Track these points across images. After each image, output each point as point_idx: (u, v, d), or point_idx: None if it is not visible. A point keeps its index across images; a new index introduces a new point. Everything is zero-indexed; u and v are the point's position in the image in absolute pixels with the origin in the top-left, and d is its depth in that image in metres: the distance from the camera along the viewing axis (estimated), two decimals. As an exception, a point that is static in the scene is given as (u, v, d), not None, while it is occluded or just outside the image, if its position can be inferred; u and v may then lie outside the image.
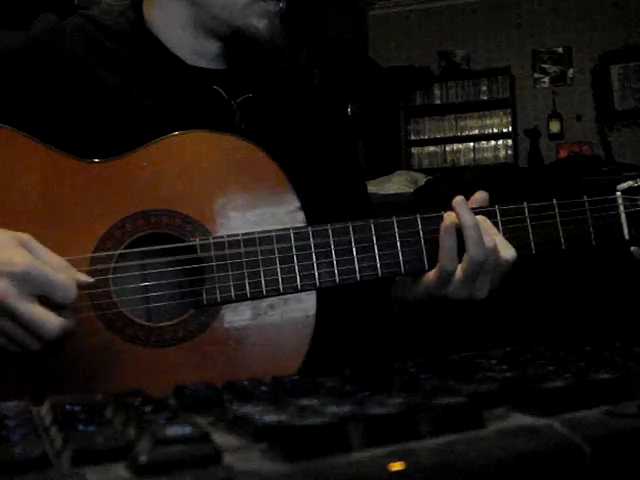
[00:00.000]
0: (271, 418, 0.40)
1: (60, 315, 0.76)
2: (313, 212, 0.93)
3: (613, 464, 0.38)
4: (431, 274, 0.93)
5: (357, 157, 1.20)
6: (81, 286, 0.79)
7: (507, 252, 0.92)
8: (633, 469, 0.38)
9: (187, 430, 0.37)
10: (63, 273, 0.76)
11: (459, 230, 0.91)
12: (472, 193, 0.97)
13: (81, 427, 0.41)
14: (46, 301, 0.76)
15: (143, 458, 0.34)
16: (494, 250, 0.91)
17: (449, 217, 0.92)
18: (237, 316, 0.89)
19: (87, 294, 0.84)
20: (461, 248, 0.91)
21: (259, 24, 0.98)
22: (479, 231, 0.90)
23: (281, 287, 0.89)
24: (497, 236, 0.92)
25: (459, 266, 0.91)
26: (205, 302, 0.88)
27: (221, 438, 0.40)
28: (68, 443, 0.37)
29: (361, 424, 0.37)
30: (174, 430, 0.37)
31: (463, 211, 0.91)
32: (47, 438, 0.41)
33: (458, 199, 0.92)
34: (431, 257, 0.93)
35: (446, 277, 0.91)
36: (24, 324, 0.75)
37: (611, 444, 0.38)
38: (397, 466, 0.34)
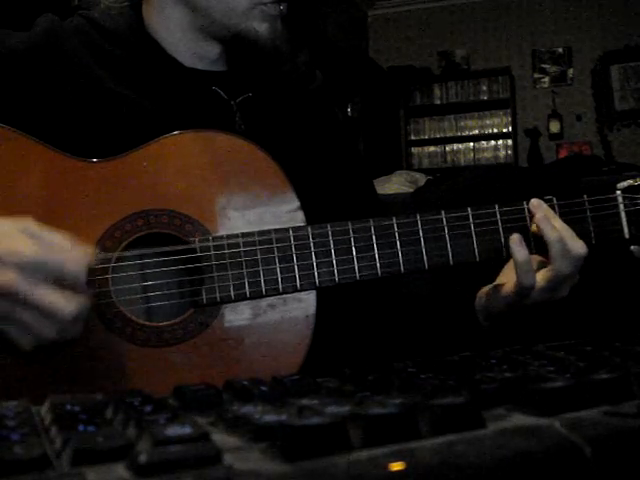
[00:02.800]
0: (271, 418, 0.40)
1: (74, 294, 0.76)
2: (313, 212, 0.93)
3: (613, 464, 0.38)
4: (510, 288, 0.93)
5: (359, 154, 1.20)
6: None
7: (578, 245, 0.92)
8: (633, 469, 0.38)
9: (187, 430, 0.37)
10: (70, 253, 0.76)
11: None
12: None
13: (81, 427, 0.41)
14: (58, 284, 0.75)
15: (143, 458, 0.34)
16: (578, 255, 0.91)
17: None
18: (237, 316, 0.89)
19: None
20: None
21: (260, 28, 0.97)
22: (565, 244, 0.90)
23: (280, 287, 0.89)
24: (567, 231, 0.92)
25: (540, 276, 0.92)
26: (204, 302, 0.88)
27: (221, 438, 0.40)
28: (68, 443, 0.37)
29: (361, 424, 0.37)
30: (174, 430, 0.37)
31: (547, 226, 0.91)
32: (47, 438, 0.41)
33: (539, 216, 0.92)
34: (431, 257, 0.92)
35: (526, 291, 0.91)
36: (40, 310, 0.74)
37: (611, 444, 0.38)
38: (397, 466, 0.34)
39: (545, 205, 0.94)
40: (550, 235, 0.91)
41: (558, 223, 0.93)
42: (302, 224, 0.91)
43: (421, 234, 0.92)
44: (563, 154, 6.32)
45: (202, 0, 0.97)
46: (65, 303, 0.75)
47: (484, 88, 6.68)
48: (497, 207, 0.95)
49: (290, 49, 1.06)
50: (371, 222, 0.92)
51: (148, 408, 0.45)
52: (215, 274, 0.88)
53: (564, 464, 0.37)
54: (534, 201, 0.94)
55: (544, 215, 0.92)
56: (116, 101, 0.96)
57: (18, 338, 0.76)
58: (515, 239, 0.92)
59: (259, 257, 0.89)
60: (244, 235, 0.89)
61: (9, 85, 0.95)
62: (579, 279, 0.95)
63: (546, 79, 6.59)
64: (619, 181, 0.99)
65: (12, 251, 0.73)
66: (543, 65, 6.60)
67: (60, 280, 0.75)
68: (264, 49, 0.99)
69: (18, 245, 0.74)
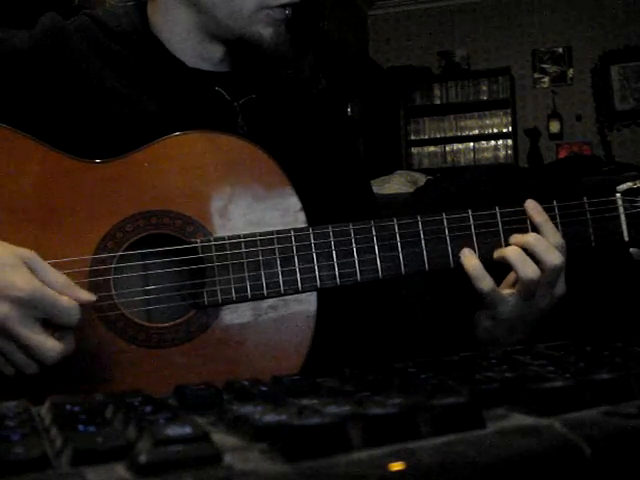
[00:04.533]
0: (271, 418, 0.40)
1: (61, 337, 0.77)
2: (314, 213, 0.93)
3: (613, 464, 0.37)
4: (513, 298, 0.93)
5: (360, 158, 1.20)
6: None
7: (552, 257, 0.91)
8: (633, 469, 0.38)
9: (187, 430, 0.37)
10: (66, 295, 0.76)
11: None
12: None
13: (81, 427, 0.41)
14: (48, 322, 0.76)
15: (143, 458, 0.34)
16: (552, 266, 0.91)
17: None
18: (238, 317, 0.89)
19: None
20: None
21: (265, 32, 0.97)
22: (534, 253, 0.90)
23: (282, 288, 0.89)
24: (539, 241, 0.92)
25: (508, 289, 0.92)
26: (206, 303, 0.88)
27: (221, 438, 0.40)
28: (68, 443, 0.37)
29: (361, 424, 0.37)
30: (174, 430, 0.37)
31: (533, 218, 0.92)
32: (47, 438, 0.41)
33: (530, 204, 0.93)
34: (432, 259, 0.92)
35: (532, 289, 0.91)
36: (25, 349, 0.75)
37: (611, 444, 0.38)
38: (397, 466, 0.34)
39: (540, 207, 0.94)
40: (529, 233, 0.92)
41: (532, 234, 0.92)
42: (304, 225, 0.91)
43: (422, 236, 0.92)
44: (563, 154, 6.32)
45: (207, 2, 0.97)
46: (50, 346, 0.75)
47: (484, 88, 6.68)
48: (497, 209, 0.95)
49: (294, 53, 1.06)
50: (372, 224, 0.92)
51: (148, 408, 0.45)
52: (217, 275, 0.88)
53: (564, 464, 0.37)
54: (529, 203, 0.94)
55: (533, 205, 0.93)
56: (119, 101, 0.96)
57: (1, 366, 0.77)
58: (513, 249, 0.92)
59: (261, 258, 0.89)
60: (246, 236, 0.89)
61: (11, 84, 0.95)
62: (573, 283, 0.95)
63: (546, 79, 6.59)
64: (619, 181, 0.99)
65: (9, 284, 0.73)
66: (543, 65, 6.60)
67: (51, 319, 0.75)
68: (267, 53, 0.99)
69: (16, 278, 0.74)
